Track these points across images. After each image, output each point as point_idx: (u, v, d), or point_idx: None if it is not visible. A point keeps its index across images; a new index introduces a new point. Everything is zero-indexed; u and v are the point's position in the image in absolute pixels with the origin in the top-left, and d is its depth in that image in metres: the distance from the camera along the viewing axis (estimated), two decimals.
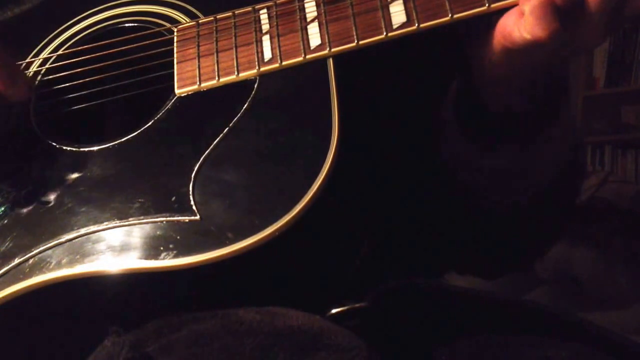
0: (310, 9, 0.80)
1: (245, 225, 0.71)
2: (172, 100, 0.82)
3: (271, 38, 0.81)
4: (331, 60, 0.78)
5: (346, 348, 0.65)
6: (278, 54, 0.80)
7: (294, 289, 0.77)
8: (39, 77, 0.91)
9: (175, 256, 0.72)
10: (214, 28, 0.84)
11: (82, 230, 0.76)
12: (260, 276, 0.75)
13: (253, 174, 0.75)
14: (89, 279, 0.73)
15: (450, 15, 0.74)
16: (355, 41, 0.77)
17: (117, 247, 0.74)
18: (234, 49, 0.82)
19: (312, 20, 0.80)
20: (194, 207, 0.74)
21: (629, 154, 4.09)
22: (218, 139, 0.77)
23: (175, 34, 0.86)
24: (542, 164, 0.86)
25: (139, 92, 0.86)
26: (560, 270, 2.44)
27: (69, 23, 0.94)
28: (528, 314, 0.87)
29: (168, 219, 0.74)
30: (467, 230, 0.94)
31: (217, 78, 0.81)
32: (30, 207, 0.80)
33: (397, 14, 0.76)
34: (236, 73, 0.81)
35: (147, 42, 0.87)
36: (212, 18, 0.85)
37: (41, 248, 0.76)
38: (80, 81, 0.89)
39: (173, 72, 0.84)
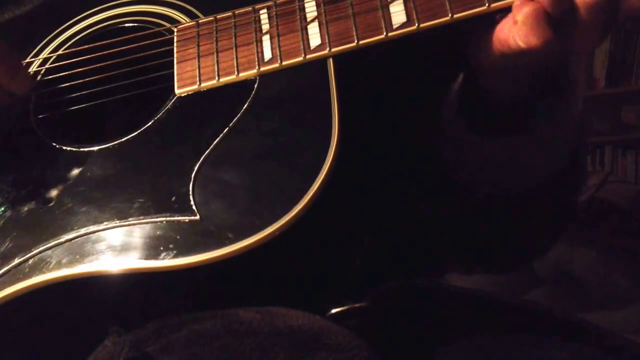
0: (310, 9, 0.80)
1: (245, 225, 0.71)
2: (172, 100, 0.82)
3: (271, 38, 0.81)
4: (331, 60, 0.78)
5: (346, 348, 0.65)
6: (278, 54, 0.80)
7: (294, 289, 0.77)
8: (38, 77, 0.91)
9: (175, 256, 0.72)
10: (214, 28, 0.84)
11: (82, 230, 0.76)
12: (260, 276, 0.75)
13: (253, 174, 0.75)
14: (88, 279, 0.73)
15: (450, 15, 0.74)
16: (355, 41, 0.77)
17: (117, 247, 0.74)
18: (234, 49, 0.82)
19: (312, 20, 0.80)
20: (194, 207, 0.74)
21: (629, 154, 4.10)
22: (218, 139, 0.77)
23: (175, 34, 0.86)
24: (546, 153, 0.86)
25: (139, 92, 0.86)
26: (560, 270, 2.44)
27: (69, 23, 0.94)
28: (528, 314, 0.87)
29: (168, 219, 0.74)
30: (467, 229, 0.94)
31: (217, 78, 0.81)
32: (30, 207, 0.80)
33: (397, 13, 0.76)
34: (236, 73, 0.81)
35: (147, 42, 0.87)
36: (212, 18, 0.85)
37: (41, 248, 0.76)
38: (80, 81, 0.89)
39: (173, 72, 0.84)
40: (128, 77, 0.87)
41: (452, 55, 0.84)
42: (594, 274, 2.45)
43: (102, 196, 0.78)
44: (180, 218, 0.74)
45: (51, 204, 0.79)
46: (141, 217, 0.75)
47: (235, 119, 0.78)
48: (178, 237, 0.73)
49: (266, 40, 0.81)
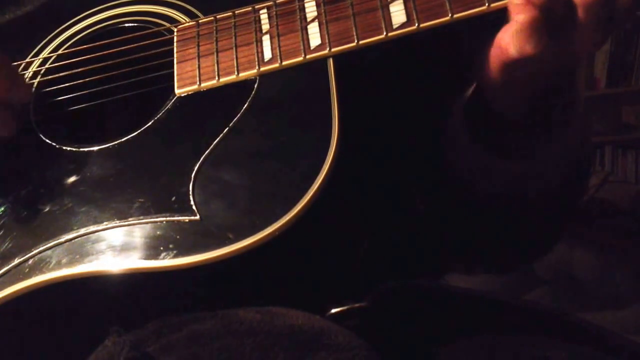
0: (310, 9, 0.80)
1: (246, 225, 0.71)
2: (172, 100, 0.82)
3: (271, 38, 0.81)
4: (331, 60, 0.78)
5: (346, 348, 0.65)
6: (278, 54, 0.80)
7: (294, 289, 0.77)
8: (38, 77, 0.91)
9: (175, 256, 0.72)
10: (214, 28, 0.84)
11: (82, 230, 0.76)
12: (260, 276, 0.75)
13: (253, 174, 0.75)
14: (88, 279, 0.73)
15: (450, 15, 0.74)
16: (355, 41, 0.77)
17: (117, 247, 0.74)
18: (234, 48, 0.82)
19: (312, 20, 0.80)
20: (194, 207, 0.74)
21: (629, 154, 4.10)
22: (218, 139, 0.77)
23: (175, 33, 0.86)
24: (553, 166, 0.86)
25: (139, 92, 0.86)
26: (560, 270, 2.44)
27: (68, 23, 0.94)
28: (528, 314, 0.86)
29: (168, 219, 0.74)
30: (468, 229, 0.94)
31: (217, 78, 0.81)
32: (30, 207, 0.80)
33: (397, 13, 0.76)
34: (236, 73, 0.81)
35: (147, 42, 0.87)
36: (212, 18, 0.85)
37: (41, 248, 0.76)
38: (80, 81, 0.89)
39: (173, 72, 0.84)
40: (128, 77, 0.87)
41: (453, 55, 0.84)
42: (594, 274, 2.45)
43: (102, 196, 0.78)
44: (180, 218, 0.74)
45: (51, 204, 0.79)
46: (141, 217, 0.75)
47: (235, 119, 0.78)
48: (178, 237, 0.73)
49: (266, 40, 0.81)
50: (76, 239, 0.76)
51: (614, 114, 4.08)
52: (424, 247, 0.97)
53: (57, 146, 0.85)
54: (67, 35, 0.93)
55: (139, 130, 0.81)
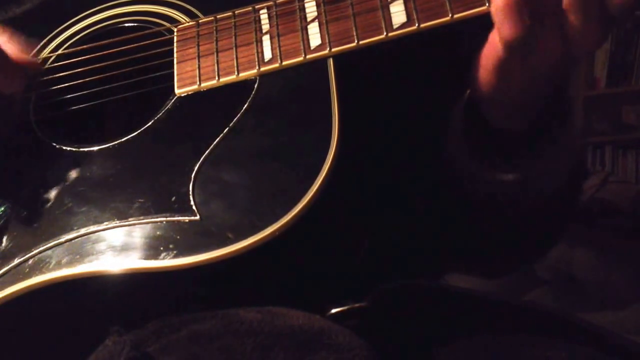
0: (311, 9, 0.80)
1: (246, 225, 0.71)
2: (172, 100, 0.82)
3: (271, 38, 0.81)
4: (331, 60, 0.78)
5: (346, 348, 0.65)
6: (278, 54, 0.80)
7: (294, 289, 0.77)
8: (38, 77, 0.91)
9: (175, 256, 0.72)
10: (214, 28, 0.84)
11: (82, 230, 0.76)
12: (260, 276, 0.75)
13: (253, 174, 0.75)
14: (89, 279, 0.73)
15: (450, 15, 0.74)
16: (356, 41, 0.77)
17: (117, 247, 0.74)
18: (234, 48, 0.82)
19: (312, 20, 0.80)
20: (194, 207, 0.74)
21: (629, 154, 4.10)
22: (218, 139, 0.77)
23: (175, 33, 0.86)
24: (549, 175, 0.86)
25: (139, 92, 0.86)
26: (560, 270, 2.44)
27: (68, 22, 0.94)
28: (528, 314, 0.86)
29: (168, 219, 0.74)
30: (468, 229, 0.94)
31: (217, 78, 0.81)
32: (30, 207, 0.80)
33: (398, 13, 0.76)
34: (236, 73, 0.81)
35: (147, 42, 0.87)
36: (212, 18, 0.85)
37: (41, 248, 0.76)
38: (80, 81, 0.89)
39: (173, 72, 0.84)
40: (128, 77, 0.87)
41: (453, 55, 0.84)
42: (594, 274, 2.45)
43: (102, 196, 0.78)
44: (180, 218, 0.74)
45: (51, 204, 0.79)
46: (141, 217, 0.75)
47: (235, 119, 0.78)
48: (178, 237, 0.73)
49: (266, 40, 0.81)
50: (76, 239, 0.76)
51: (614, 114, 4.08)
52: (424, 247, 0.97)
53: (57, 146, 0.85)
54: (67, 35, 0.93)
55: (139, 130, 0.81)
